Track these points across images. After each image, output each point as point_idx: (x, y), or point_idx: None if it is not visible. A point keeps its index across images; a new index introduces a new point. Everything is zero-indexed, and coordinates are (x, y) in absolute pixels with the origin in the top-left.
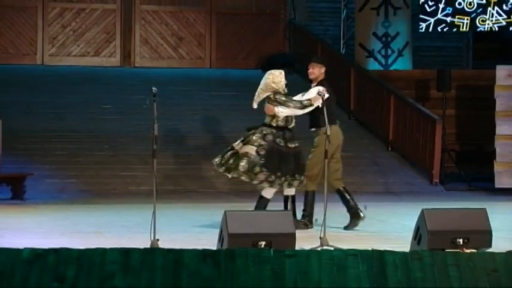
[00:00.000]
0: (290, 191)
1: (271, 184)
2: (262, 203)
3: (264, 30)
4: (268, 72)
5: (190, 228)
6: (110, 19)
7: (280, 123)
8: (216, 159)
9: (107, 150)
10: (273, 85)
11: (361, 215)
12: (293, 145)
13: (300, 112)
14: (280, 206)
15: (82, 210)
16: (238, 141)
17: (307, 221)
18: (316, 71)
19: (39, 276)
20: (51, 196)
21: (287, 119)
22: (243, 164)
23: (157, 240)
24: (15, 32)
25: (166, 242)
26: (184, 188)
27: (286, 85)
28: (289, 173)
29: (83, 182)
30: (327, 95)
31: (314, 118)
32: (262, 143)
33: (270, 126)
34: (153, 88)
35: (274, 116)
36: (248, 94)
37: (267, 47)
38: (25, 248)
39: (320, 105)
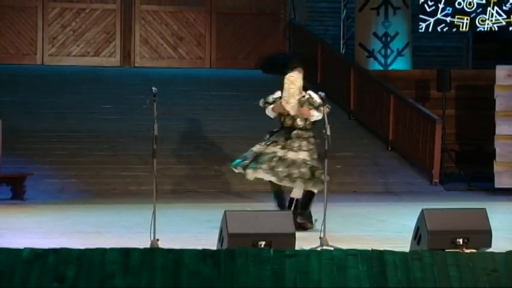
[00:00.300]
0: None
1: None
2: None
3: (264, 30)
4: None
5: (190, 228)
6: (110, 19)
7: (308, 126)
8: (262, 166)
9: (107, 150)
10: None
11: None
12: None
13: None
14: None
15: (82, 210)
16: (276, 147)
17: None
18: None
19: (39, 276)
20: (51, 196)
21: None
22: (303, 170)
23: (157, 240)
24: (15, 32)
25: (166, 242)
26: (184, 188)
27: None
28: None
29: (83, 182)
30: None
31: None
32: (311, 147)
33: (303, 129)
34: (153, 88)
35: (306, 119)
36: (248, 94)
37: (267, 47)
38: (25, 248)
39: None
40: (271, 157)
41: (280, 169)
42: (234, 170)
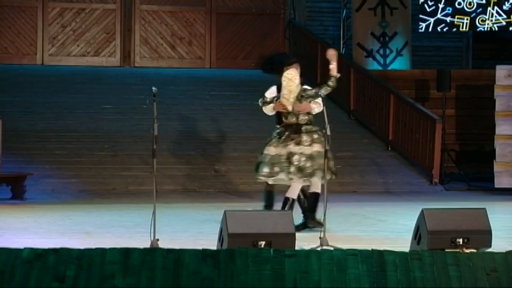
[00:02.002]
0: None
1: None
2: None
3: (264, 30)
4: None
5: (190, 228)
6: (110, 19)
7: (312, 119)
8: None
9: (107, 150)
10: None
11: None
12: None
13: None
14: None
15: (82, 210)
16: (289, 146)
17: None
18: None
19: (39, 276)
20: (51, 196)
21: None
22: (321, 162)
23: (157, 240)
24: (15, 32)
25: (166, 242)
26: (184, 188)
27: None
28: None
29: (83, 182)
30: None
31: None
32: (322, 138)
33: (308, 123)
34: (153, 88)
35: (308, 113)
36: (248, 94)
37: (267, 47)
38: (25, 248)
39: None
40: (286, 158)
41: (302, 164)
42: (259, 179)
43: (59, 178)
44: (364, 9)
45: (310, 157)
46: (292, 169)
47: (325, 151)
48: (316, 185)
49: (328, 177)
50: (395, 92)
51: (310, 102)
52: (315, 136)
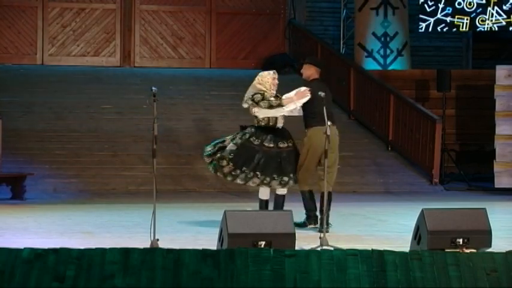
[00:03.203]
0: (281, 191)
1: (234, 178)
2: (260, 205)
3: (264, 30)
4: (259, 73)
5: (190, 228)
6: (110, 19)
7: (262, 123)
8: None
9: (107, 150)
10: (259, 86)
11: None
12: (284, 145)
13: (272, 112)
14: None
15: (82, 210)
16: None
17: (312, 221)
18: (306, 71)
19: (39, 276)
20: (51, 196)
21: (268, 119)
22: (218, 155)
23: (157, 240)
24: (15, 32)
25: (166, 242)
26: (184, 188)
27: (278, 85)
28: (275, 172)
29: (83, 182)
30: (307, 97)
31: (304, 118)
32: (238, 141)
33: (253, 126)
34: (153, 88)
35: (256, 116)
36: None
37: (267, 47)
38: (25, 248)
39: (299, 105)
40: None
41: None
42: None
43: (59, 178)
44: (366, 9)
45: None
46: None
47: (325, 151)
48: (282, 189)
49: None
50: (395, 92)
51: (254, 106)
52: (236, 135)
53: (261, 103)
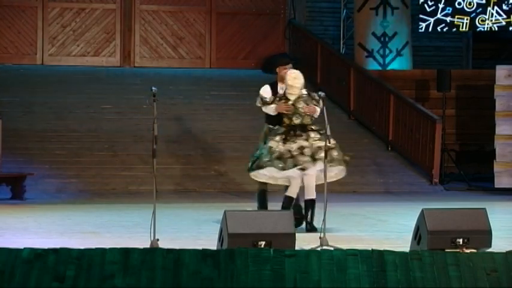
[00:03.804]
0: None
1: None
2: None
3: (264, 30)
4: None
5: (190, 228)
6: (110, 19)
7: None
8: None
9: (106, 150)
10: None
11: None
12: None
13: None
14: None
15: (82, 210)
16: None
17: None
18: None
19: (39, 276)
20: (51, 196)
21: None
22: (322, 155)
23: (157, 240)
24: (15, 32)
25: (166, 242)
26: (184, 188)
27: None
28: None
29: (83, 182)
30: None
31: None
32: (322, 132)
33: (311, 124)
34: (153, 88)
35: (311, 116)
36: (248, 94)
37: (267, 47)
38: (25, 248)
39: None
40: (298, 149)
41: (315, 153)
42: (253, 176)
43: (59, 178)
44: (366, 9)
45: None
46: (306, 158)
47: (326, 151)
48: (311, 190)
49: (341, 168)
50: (395, 92)
51: (315, 105)
52: (322, 133)
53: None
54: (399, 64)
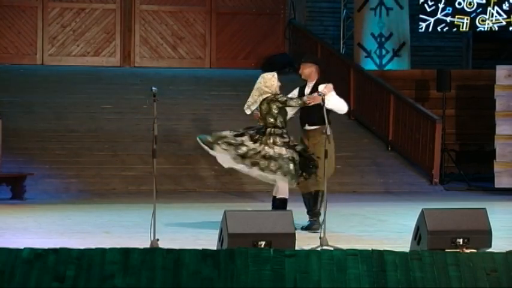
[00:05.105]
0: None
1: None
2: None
3: (264, 30)
4: (261, 76)
5: (190, 228)
6: (110, 19)
7: (280, 124)
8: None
9: (107, 150)
10: (266, 89)
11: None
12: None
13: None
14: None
15: (82, 210)
16: (253, 144)
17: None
18: (305, 70)
19: (39, 276)
20: (51, 196)
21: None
22: (282, 163)
23: (157, 240)
24: (15, 32)
25: (166, 242)
26: (184, 188)
27: (280, 87)
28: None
29: (83, 182)
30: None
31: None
32: (285, 140)
33: (276, 127)
34: (153, 88)
35: (276, 118)
36: (248, 94)
37: (267, 47)
38: (25, 248)
39: (322, 103)
40: (246, 148)
41: (260, 161)
42: (200, 143)
43: (59, 178)
44: (366, 9)
45: (270, 157)
46: (240, 151)
47: (325, 151)
48: (283, 189)
49: (286, 179)
50: (395, 92)
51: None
52: (277, 139)
53: (292, 102)
54: (396, 65)
